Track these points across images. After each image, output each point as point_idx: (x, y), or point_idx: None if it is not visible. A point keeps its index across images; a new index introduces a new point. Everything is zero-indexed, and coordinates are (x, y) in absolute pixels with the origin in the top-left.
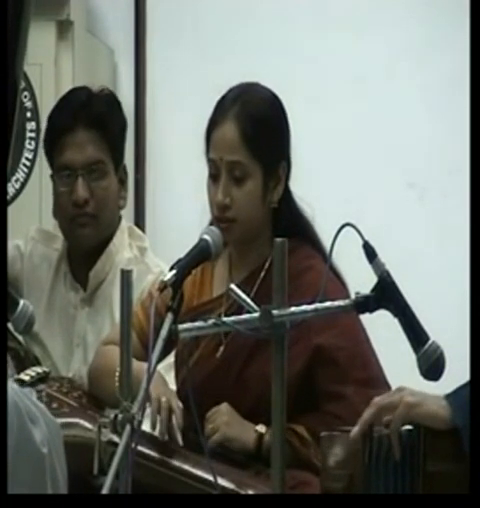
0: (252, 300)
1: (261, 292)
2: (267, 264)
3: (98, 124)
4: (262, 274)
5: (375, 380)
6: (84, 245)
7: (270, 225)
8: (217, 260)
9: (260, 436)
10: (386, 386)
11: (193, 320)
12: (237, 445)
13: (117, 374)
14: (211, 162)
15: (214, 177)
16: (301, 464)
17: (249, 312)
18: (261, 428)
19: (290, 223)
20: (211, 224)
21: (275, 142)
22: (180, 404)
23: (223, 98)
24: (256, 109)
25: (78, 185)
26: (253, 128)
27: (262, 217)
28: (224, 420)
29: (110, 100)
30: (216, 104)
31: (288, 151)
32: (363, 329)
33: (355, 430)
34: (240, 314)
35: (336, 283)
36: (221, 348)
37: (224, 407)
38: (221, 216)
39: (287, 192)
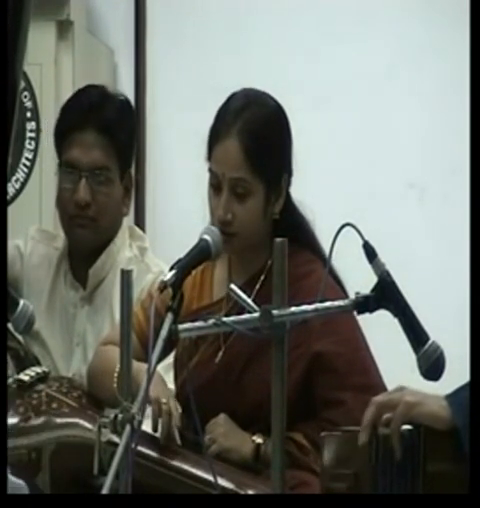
0: (252, 303)
1: (261, 295)
2: (267, 267)
3: (109, 129)
4: (262, 277)
5: (374, 387)
6: (81, 245)
7: (271, 234)
8: (217, 263)
9: (257, 446)
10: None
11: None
12: (235, 456)
13: (115, 375)
14: (213, 174)
15: (215, 188)
16: (302, 468)
17: (250, 313)
18: (258, 438)
19: (291, 229)
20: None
21: (278, 157)
22: (178, 406)
23: (225, 108)
24: (259, 126)
25: (81, 186)
26: (256, 145)
27: (263, 229)
28: (221, 431)
29: (124, 107)
30: (218, 113)
31: (290, 162)
32: (362, 336)
33: (362, 436)
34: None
35: (336, 289)
36: (220, 353)
37: (221, 418)
38: (222, 229)
39: (288, 200)
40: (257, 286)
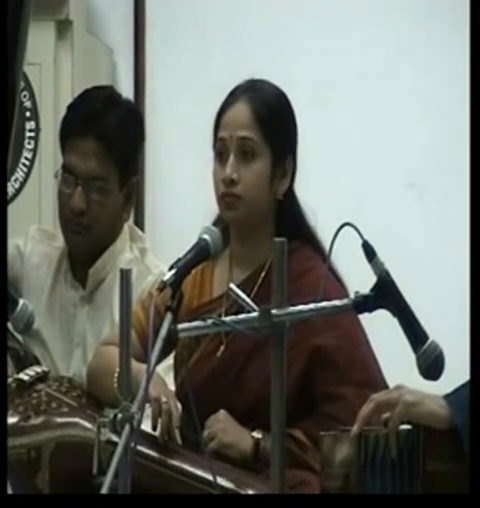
0: (252, 301)
1: (261, 293)
2: (267, 265)
3: (108, 138)
4: (263, 274)
5: (374, 382)
6: (75, 250)
7: (274, 220)
8: (217, 261)
9: (257, 442)
10: (385, 388)
11: (193, 321)
12: (234, 452)
13: (116, 376)
14: (220, 141)
15: (222, 156)
16: (301, 466)
17: (249, 312)
18: (258, 434)
19: (293, 222)
20: (215, 225)
21: (284, 131)
22: (179, 405)
23: (235, 89)
24: (269, 97)
25: (76, 194)
26: (265, 110)
27: (267, 205)
28: (220, 427)
29: (128, 113)
30: (227, 95)
31: (294, 148)
32: (363, 331)
33: (355, 428)
34: (240, 314)
35: (336, 285)
36: (222, 347)
37: (221, 414)
38: (227, 191)
39: (292, 191)
40: (257, 283)
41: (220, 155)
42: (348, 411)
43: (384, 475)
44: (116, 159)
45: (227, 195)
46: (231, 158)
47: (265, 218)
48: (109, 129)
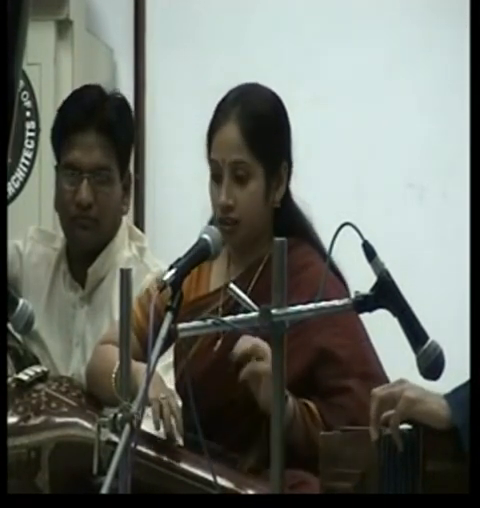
0: (250, 295)
1: (259, 287)
2: (265, 259)
3: (109, 129)
4: (260, 268)
5: (376, 375)
6: (82, 246)
7: (271, 225)
8: None
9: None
10: (386, 382)
11: (191, 313)
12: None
13: (113, 375)
14: (213, 163)
15: (216, 178)
16: (300, 462)
17: (248, 311)
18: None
19: (290, 222)
20: (211, 223)
21: (276, 142)
22: (180, 403)
23: (223, 100)
24: (257, 109)
25: (83, 187)
26: (255, 128)
27: (265, 217)
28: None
29: (123, 105)
30: (217, 106)
31: (289, 151)
32: (363, 328)
33: (373, 433)
34: (237, 308)
35: (336, 283)
36: (219, 342)
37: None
38: (225, 217)
39: (287, 193)
40: (255, 277)
41: (215, 177)
42: (355, 401)
43: (395, 474)
44: (117, 149)
45: (225, 222)
46: (225, 182)
47: (264, 228)
48: (110, 120)
